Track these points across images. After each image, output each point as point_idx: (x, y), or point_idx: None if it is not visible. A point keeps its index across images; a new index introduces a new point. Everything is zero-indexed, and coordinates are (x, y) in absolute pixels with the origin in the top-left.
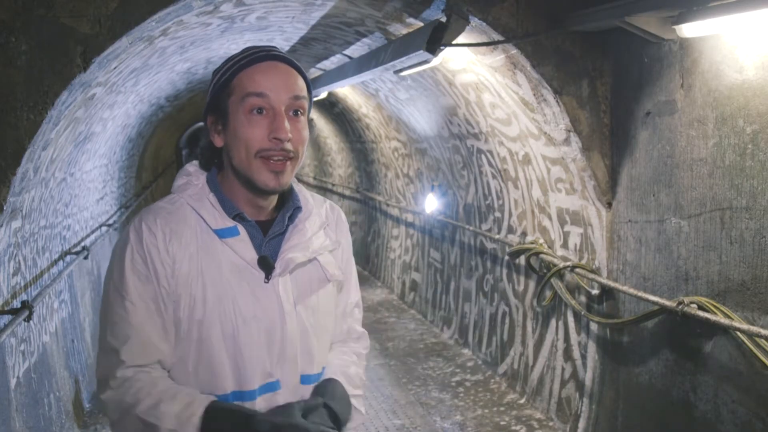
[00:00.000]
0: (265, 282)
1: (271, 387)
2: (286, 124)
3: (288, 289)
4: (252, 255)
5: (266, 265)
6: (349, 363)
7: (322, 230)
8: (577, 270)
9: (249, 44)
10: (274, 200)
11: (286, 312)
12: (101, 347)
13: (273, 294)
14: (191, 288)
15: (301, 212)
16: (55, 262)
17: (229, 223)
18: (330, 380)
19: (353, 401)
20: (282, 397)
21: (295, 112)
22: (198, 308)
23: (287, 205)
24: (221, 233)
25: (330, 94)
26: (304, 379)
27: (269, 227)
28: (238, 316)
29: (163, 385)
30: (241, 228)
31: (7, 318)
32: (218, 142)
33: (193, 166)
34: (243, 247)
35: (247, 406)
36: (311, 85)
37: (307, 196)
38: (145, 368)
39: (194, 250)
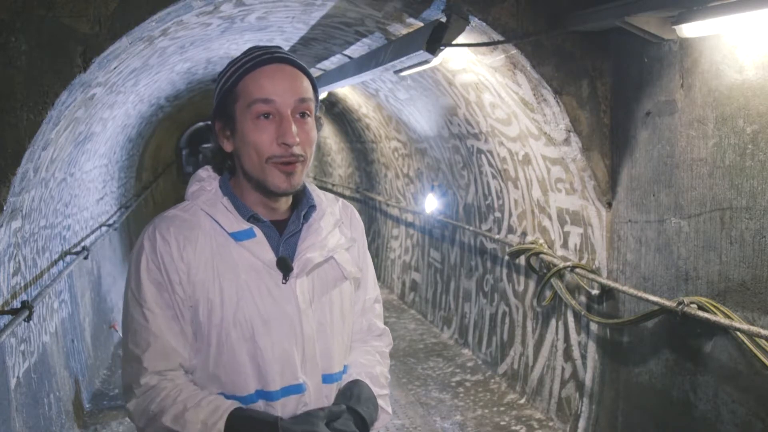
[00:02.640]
0: (282, 283)
1: (296, 389)
2: (294, 128)
3: (305, 290)
4: (270, 256)
5: (285, 266)
6: (374, 363)
7: (336, 228)
8: (577, 270)
9: (249, 44)
10: (288, 200)
11: (302, 312)
12: (124, 356)
13: (291, 295)
14: (208, 292)
15: (315, 211)
16: (55, 262)
17: (245, 225)
18: (356, 382)
19: (380, 401)
20: (307, 399)
21: (302, 114)
22: (216, 312)
23: (301, 203)
24: (237, 236)
25: (330, 94)
26: (326, 379)
27: (284, 226)
28: (257, 317)
29: (187, 392)
30: (257, 230)
31: (7, 318)
32: (228, 147)
33: (205, 171)
34: (260, 248)
35: (271, 406)
36: (316, 83)
37: (320, 195)
38: (168, 375)
39: (210, 256)
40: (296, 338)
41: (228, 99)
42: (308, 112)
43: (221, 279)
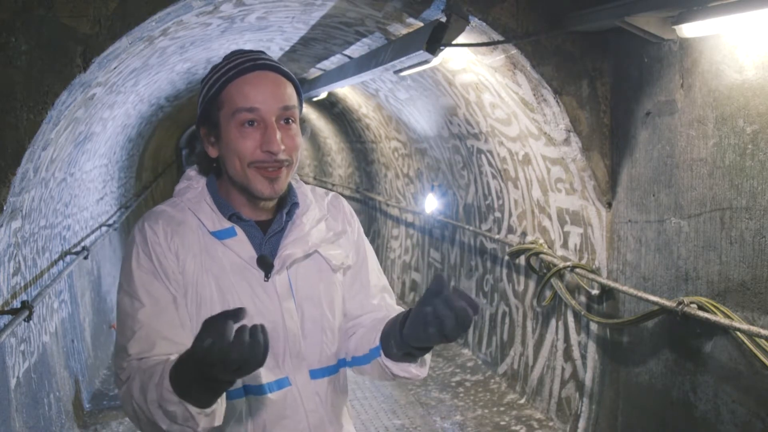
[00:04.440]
0: (265, 280)
1: (281, 384)
2: (278, 136)
3: (287, 286)
4: (251, 254)
5: (265, 263)
6: None
7: (323, 222)
8: (577, 270)
9: (249, 44)
10: (273, 201)
11: (284, 308)
12: (114, 350)
13: (273, 292)
14: (197, 286)
15: (299, 208)
16: (55, 262)
17: (226, 224)
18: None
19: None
20: (295, 393)
21: (286, 120)
22: (205, 306)
23: (285, 202)
24: (219, 235)
25: (330, 94)
26: (314, 374)
27: (269, 226)
28: None
29: (148, 363)
30: (238, 229)
31: (7, 318)
32: (212, 153)
33: (194, 171)
34: (241, 247)
35: (259, 401)
36: (300, 87)
37: (305, 192)
38: (149, 358)
39: (198, 251)
40: (278, 334)
41: (212, 106)
42: (292, 119)
43: (207, 275)
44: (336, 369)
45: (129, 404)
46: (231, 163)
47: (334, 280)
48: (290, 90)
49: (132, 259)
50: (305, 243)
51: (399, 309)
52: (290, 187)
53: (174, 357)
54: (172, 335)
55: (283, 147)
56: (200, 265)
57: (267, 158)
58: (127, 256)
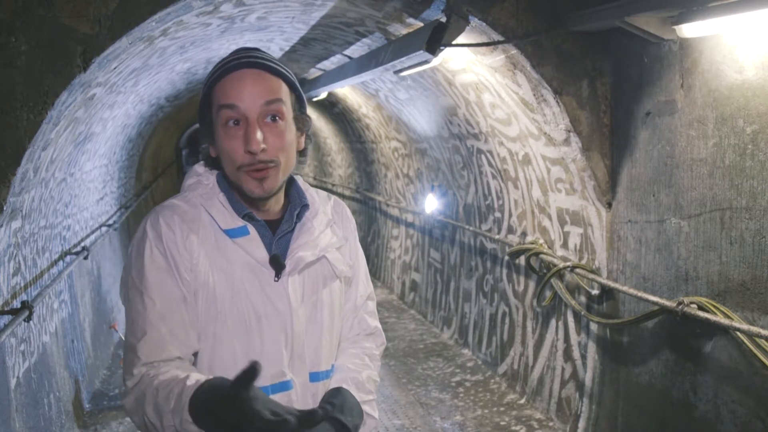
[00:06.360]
0: (275, 280)
1: (283, 386)
2: (258, 135)
3: (297, 288)
4: (263, 254)
5: (277, 264)
6: (361, 367)
7: (329, 228)
8: (577, 270)
9: (249, 44)
10: (280, 200)
11: (293, 310)
12: (124, 346)
13: (283, 292)
14: (208, 284)
15: (308, 210)
16: (55, 262)
17: (239, 223)
18: (338, 390)
19: (365, 407)
20: (294, 396)
21: (273, 117)
22: (214, 304)
23: (294, 203)
24: (231, 233)
25: (330, 94)
26: (313, 377)
27: (278, 226)
28: (251, 313)
29: (159, 379)
30: (251, 228)
31: (7, 318)
32: (212, 152)
33: (202, 167)
34: (253, 246)
35: None
36: (295, 82)
37: (312, 194)
38: (159, 365)
39: (210, 248)
40: (286, 336)
41: (205, 105)
42: (279, 115)
43: (218, 273)
44: (329, 373)
45: (138, 416)
46: (225, 164)
47: (336, 286)
48: (275, 84)
49: (145, 255)
50: (315, 247)
51: (373, 325)
52: (299, 188)
53: (191, 381)
54: (182, 336)
55: (263, 146)
56: (212, 263)
57: (251, 160)
58: (139, 251)
